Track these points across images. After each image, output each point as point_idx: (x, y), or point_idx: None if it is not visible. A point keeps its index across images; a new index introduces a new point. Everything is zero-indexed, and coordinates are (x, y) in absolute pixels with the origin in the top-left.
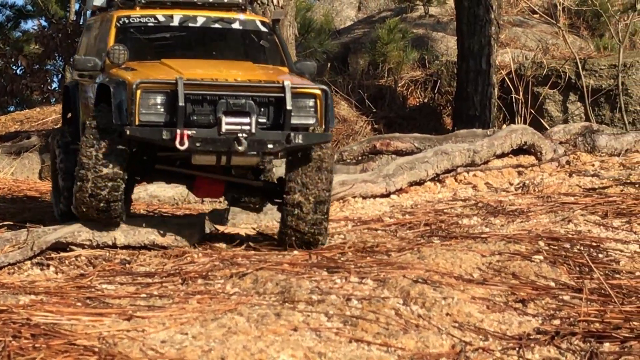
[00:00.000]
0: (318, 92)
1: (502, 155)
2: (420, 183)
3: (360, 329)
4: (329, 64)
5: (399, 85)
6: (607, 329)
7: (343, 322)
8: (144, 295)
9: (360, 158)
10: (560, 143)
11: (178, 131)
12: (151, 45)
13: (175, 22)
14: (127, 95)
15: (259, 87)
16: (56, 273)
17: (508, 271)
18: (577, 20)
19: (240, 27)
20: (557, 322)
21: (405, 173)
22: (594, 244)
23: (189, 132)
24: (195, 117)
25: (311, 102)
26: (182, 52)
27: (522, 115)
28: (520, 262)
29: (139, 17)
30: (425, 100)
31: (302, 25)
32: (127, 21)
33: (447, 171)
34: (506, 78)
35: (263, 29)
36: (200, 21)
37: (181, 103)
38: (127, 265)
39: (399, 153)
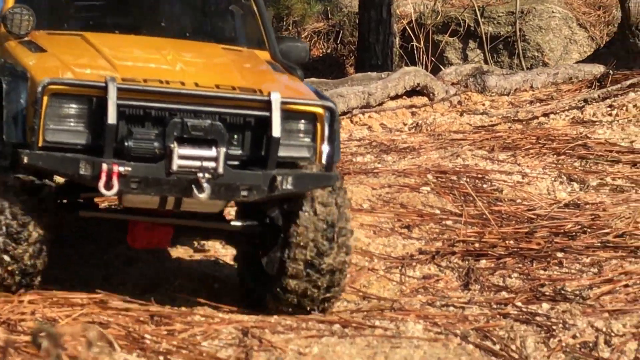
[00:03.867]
0: (320, 110)
1: (396, 97)
2: None
3: None
4: None
5: (302, 36)
6: (484, 248)
7: None
8: None
9: None
10: (452, 84)
11: (104, 166)
12: (70, 5)
13: None
14: (28, 99)
15: (233, 100)
16: None
17: (396, 201)
18: None
19: None
20: (439, 244)
21: None
22: (480, 175)
23: (122, 169)
24: (131, 143)
25: (308, 126)
26: (114, 19)
27: (424, 63)
28: (408, 193)
29: None
30: (329, 51)
31: None
32: None
33: (343, 113)
34: (407, 27)
35: None
36: None
37: (111, 120)
38: None
39: None
